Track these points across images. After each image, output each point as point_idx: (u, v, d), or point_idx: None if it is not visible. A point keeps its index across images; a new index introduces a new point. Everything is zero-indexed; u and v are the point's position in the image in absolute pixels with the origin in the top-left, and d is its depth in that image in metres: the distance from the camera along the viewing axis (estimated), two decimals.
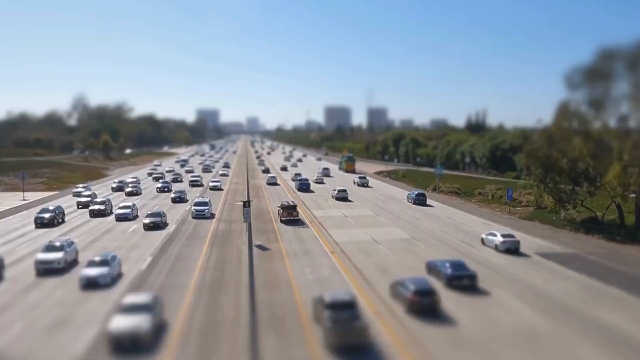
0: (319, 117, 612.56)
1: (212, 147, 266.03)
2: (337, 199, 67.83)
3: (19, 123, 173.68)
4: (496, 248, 38.59)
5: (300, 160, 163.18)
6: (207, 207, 54.18)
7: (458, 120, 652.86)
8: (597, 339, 22.24)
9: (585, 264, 35.41)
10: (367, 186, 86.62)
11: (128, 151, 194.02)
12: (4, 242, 42.06)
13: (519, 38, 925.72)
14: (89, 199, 63.18)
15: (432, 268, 31.64)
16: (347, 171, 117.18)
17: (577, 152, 46.67)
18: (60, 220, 51.01)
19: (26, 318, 24.31)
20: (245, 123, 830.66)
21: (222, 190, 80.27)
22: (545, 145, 49.69)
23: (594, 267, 34.34)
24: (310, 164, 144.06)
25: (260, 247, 39.47)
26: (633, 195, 46.78)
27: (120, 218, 51.22)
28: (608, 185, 45.25)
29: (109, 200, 58.49)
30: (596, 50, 45.99)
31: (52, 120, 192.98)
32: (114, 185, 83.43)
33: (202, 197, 63.34)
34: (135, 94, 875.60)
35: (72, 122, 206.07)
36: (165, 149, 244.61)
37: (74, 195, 70.98)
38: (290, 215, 50.14)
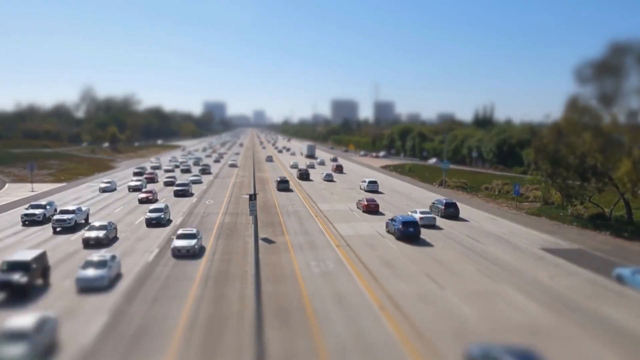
0: (326, 111, 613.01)
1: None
2: None
3: (28, 115, 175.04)
4: None
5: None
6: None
7: (465, 114, 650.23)
8: (601, 334, 22.18)
9: (591, 260, 35.25)
10: None
11: (137, 144, 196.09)
12: (14, 232, 42.45)
13: (526, 34, 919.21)
14: None
15: None
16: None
17: (586, 147, 46.30)
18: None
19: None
20: (252, 116, 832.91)
21: None
22: (554, 140, 49.36)
23: (600, 263, 34.16)
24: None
25: (266, 240, 39.60)
26: None
27: None
28: (618, 181, 44.92)
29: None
30: (607, 45, 45.56)
31: (60, 112, 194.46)
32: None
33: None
34: (142, 87, 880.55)
35: (80, 114, 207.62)
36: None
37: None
38: None
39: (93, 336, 21.30)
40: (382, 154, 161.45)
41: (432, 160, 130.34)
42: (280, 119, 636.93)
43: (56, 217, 43.77)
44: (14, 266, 26.26)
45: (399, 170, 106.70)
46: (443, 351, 20.41)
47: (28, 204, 50.21)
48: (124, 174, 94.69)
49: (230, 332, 21.94)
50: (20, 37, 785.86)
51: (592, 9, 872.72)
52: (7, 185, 77.77)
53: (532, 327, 22.91)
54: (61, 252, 35.77)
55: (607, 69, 45.05)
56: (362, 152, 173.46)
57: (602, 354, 20.38)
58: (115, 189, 71.45)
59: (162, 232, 42.38)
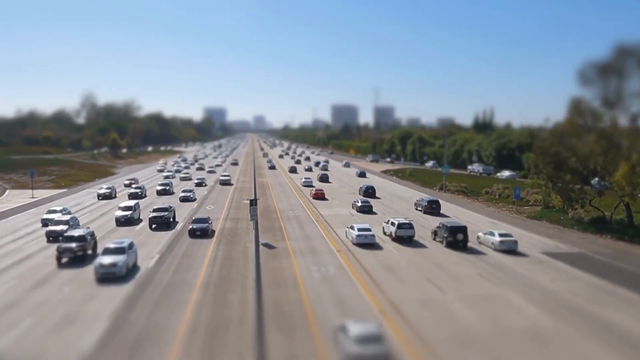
0: (326, 116, 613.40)
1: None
2: None
3: (28, 121, 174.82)
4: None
5: None
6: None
7: (465, 119, 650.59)
8: (603, 338, 22.14)
9: (592, 263, 35.22)
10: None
11: (150, 148, 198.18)
12: (15, 238, 42.43)
13: (525, 38, 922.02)
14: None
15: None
16: None
17: (588, 150, 46.24)
18: None
19: None
20: (252, 121, 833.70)
21: None
22: (555, 142, 49.34)
23: (601, 267, 34.13)
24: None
25: (267, 245, 39.57)
26: None
27: None
28: (616, 185, 44.95)
29: None
30: (611, 46, 45.76)
31: (60, 119, 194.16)
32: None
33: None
34: (143, 93, 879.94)
35: (81, 120, 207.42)
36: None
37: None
38: None
39: (93, 343, 21.28)
40: (387, 159, 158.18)
41: (429, 164, 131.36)
42: (280, 124, 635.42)
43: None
44: None
45: (399, 174, 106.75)
46: (444, 356, 20.36)
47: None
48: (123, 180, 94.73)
49: (232, 337, 21.89)
50: (21, 43, 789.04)
51: (592, 13, 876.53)
52: (7, 191, 77.82)
53: (534, 331, 22.87)
54: None
55: (609, 71, 45.10)
56: (369, 158, 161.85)
57: (603, 358, 20.34)
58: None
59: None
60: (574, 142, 47.71)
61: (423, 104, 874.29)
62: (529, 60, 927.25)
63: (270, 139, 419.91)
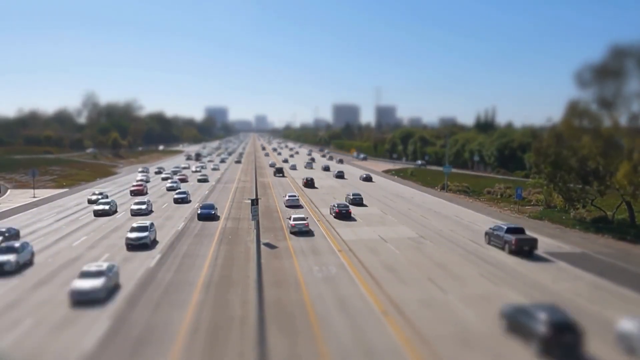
0: (328, 116, 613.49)
1: None
2: None
3: (29, 121, 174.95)
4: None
5: None
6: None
7: (467, 118, 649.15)
8: (606, 339, 22.06)
9: (594, 263, 35.11)
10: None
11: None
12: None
13: (527, 38, 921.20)
14: None
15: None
16: None
17: (587, 151, 46.20)
18: None
19: None
20: (254, 121, 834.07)
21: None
22: (554, 143, 49.24)
23: (603, 267, 34.02)
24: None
25: (268, 245, 39.54)
26: None
27: None
28: (618, 184, 44.82)
29: None
30: (608, 48, 45.47)
31: (62, 118, 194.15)
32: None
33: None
34: (145, 93, 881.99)
35: (82, 120, 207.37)
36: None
37: None
38: None
39: (94, 343, 21.26)
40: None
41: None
42: (282, 124, 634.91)
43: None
44: None
45: (400, 174, 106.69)
46: (446, 356, 20.30)
47: None
48: (126, 180, 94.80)
49: (233, 337, 21.86)
50: (22, 43, 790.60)
51: (592, 13, 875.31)
52: (9, 191, 77.91)
53: None
54: None
55: (607, 72, 44.96)
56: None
57: (604, 359, 20.26)
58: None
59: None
60: (572, 142, 47.59)
61: (425, 104, 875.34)
62: (530, 60, 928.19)
63: (275, 140, 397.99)
